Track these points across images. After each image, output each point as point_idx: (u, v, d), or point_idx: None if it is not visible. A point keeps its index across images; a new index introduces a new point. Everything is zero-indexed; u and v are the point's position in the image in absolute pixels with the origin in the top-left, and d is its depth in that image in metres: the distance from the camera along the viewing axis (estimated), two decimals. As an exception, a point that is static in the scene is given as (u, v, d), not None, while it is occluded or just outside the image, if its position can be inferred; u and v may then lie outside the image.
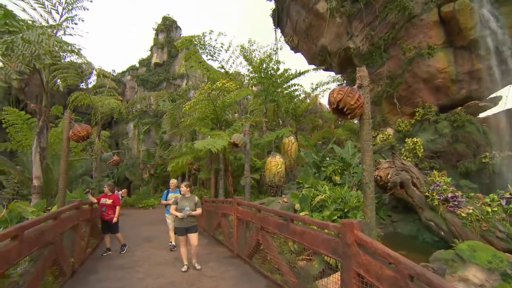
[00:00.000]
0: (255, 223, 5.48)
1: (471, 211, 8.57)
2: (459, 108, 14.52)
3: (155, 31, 43.26)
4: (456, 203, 8.70)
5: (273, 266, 4.93)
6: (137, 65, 44.12)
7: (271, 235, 4.96)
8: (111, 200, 7.09)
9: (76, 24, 10.85)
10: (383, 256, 2.41)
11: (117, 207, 7.20)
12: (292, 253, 6.40)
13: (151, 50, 43.29)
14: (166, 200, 7.69)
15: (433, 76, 14.75)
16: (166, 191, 8.00)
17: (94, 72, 21.36)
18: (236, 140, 6.91)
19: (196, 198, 5.74)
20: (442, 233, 8.97)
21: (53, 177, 10.88)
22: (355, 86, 3.68)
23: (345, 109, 3.62)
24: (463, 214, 8.59)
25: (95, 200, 7.21)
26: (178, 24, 44.38)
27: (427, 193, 9.92)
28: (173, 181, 7.94)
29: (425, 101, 15.43)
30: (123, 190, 30.59)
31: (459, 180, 12.88)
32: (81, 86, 28.26)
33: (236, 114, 24.78)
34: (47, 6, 9.87)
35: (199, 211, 5.71)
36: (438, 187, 9.70)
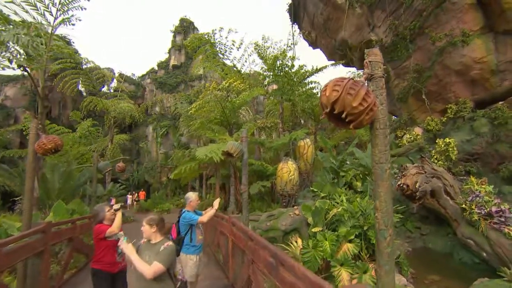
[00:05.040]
0: (247, 254, 4.46)
1: (522, 229, 7.06)
2: (501, 103, 12.74)
3: (172, 33, 43.29)
4: (502, 219, 7.22)
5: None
6: (156, 68, 44.34)
7: (261, 273, 3.92)
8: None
9: (73, 24, 10.39)
10: None
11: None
12: None
13: (169, 52, 43.32)
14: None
15: (468, 67, 13.04)
16: (184, 211, 4.32)
17: (109, 76, 21.25)
18: (231, 149, 5.92)
19: (163, 246, 2.84)
20: (485, 254, 7.51)
21: (53, 186, 10.43)
22: (361, 79, 2.40)
23: (343, 115, 2.23)
24: (512, 233, 7.10)
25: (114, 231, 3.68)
26: (197, 25, 44.23)
27: (463, 205, 8.45)
28: (191, 197, 4.42)
29: (459, 96, 13.76)
30: (138, 193, 30.13)
31: (501, 186, 11.16)
32: (103, 91, 28.61)
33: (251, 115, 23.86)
34: (40, 7, 9.36)
35: (151, 270, 2.66)
36: (478, 198, 8.20)
